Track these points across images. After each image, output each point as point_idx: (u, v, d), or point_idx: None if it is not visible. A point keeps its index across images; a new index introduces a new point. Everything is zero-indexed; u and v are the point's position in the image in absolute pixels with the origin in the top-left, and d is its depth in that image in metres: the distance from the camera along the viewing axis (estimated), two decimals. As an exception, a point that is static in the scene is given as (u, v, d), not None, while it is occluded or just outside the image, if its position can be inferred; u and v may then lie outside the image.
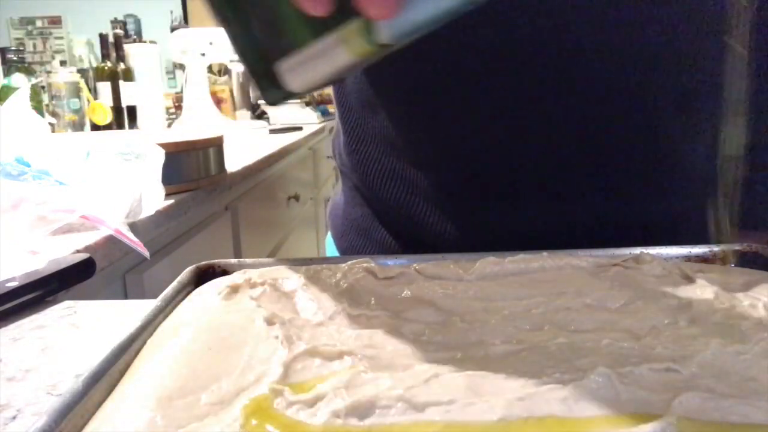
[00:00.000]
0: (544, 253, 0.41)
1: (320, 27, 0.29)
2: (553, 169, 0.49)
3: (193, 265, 0.42)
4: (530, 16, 0.44)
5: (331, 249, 0.66)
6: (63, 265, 0.51)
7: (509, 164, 0.50)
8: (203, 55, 1.81)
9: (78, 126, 1.67)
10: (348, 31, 0.28)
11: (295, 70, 0.30)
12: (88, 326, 0.43)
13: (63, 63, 1.81)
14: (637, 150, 0.49)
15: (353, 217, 0.61)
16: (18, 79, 1.52)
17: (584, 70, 0.46)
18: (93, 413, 0.26)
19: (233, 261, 0.43)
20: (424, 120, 0.51)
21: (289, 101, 0.33)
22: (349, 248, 0.61)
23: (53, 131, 1.53)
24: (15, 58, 1.58)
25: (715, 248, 0.43)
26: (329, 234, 0.67)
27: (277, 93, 0.32)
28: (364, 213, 0.60)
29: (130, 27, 4.08)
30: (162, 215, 0.82)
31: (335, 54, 0.29)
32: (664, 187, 0.51)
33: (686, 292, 0.36)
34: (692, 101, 0.49)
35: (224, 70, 2.25)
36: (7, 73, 1.57)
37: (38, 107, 1.45)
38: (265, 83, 0.32)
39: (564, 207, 0.50)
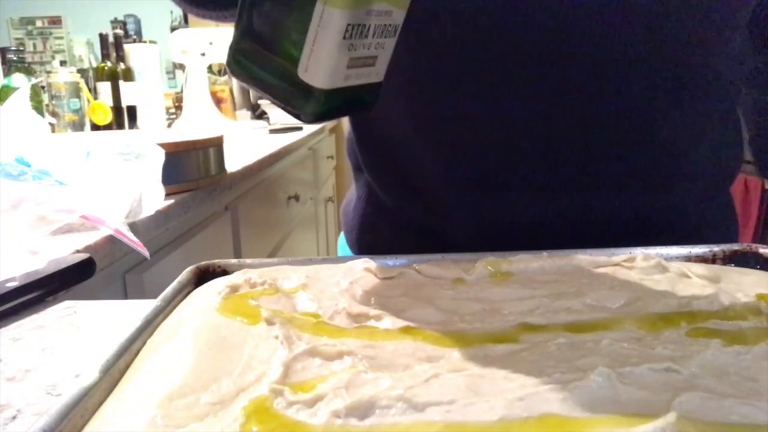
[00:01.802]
0: (544, 253, 0.41)
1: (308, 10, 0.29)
2: (557, 163, 0.49)
3: (193, 265, 0.42)
4: (525, 7, 0.44)
5: (342, 245, 0.67)
6: (63, 265, 0.50)
7: (509, 159, 0.50)
8: (203, 55, 1.81)
9: (78, 126, 1.67)
10: None
11: (311, 64, 0.30)
12: (88, 326, 0.43)
13: (63, 63, 1.81)
14: (633, 145, 0.49)
15: (364, 212, 0.62)
16: (18, 79, 1.52)
17: (578, 64, 0.46)
18: (93, 413, 0.26)
19: (233, 261, 0.43)
20: (424, 115, 0.51)
21: (327, 117, 0.33)
22: (357, 242, 0.62)
23: (53, 131, 1.53)
24: (15, 58, 1.58)
25: (715, 248, 0.43)
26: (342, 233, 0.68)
27: (312, 103, 0.31)
28: (375, 208, 0.61)
29: (130, 27, 4.08)
30: (162, 215, 0.82)
31: (328, 20, 0.29)
32: (660, 182, 0.51)
33: (686, 291, 0.36)
34: (687, 95, 0.49)
35: (224, 70, 2.24)
36: (7, 73, 1.57)
37: (38, 107, 1.45)
38: (300, 101, 0.32)
39: (563, 201, 0.51)
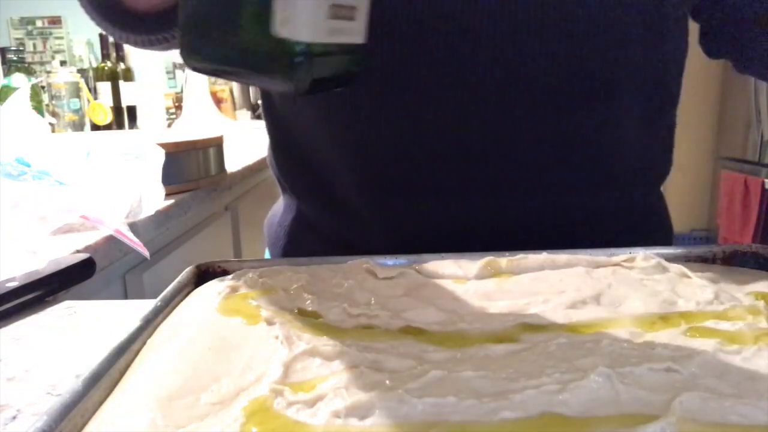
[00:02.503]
0: (544, 253, 0.41)
1: None
2: (482, 164, 0.48)
3: (193, 265, 0.42)
4: (430, 10, 0.44)
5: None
6: (63, 265, 0.51)
7: (434, 161, 0.49)
8: (203, 55, 1.81)
9: (78, 126, 1.67)
10: None
11: (289, 14, 0.26)
12: (88, 326, 0.43)
13: (63, 63, 1.81)
14: (548, 147, 0.48)
15: (286, 224, 0.61)
16: (18, 79, 1.52)
17: (487, 66, 0.45)
18: (93, 413, 0.26)
19: (233, 261, 0.43)
20: (344, 119, 0.50)
21: (316, 88, 0.28)
22: (283, 255, 0.61)
23: (53, 131, 1.53)
24: (15, 58, 1.58)
25: (715, 248, 0.43)
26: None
27: (298, 67, 0.27)
28: (296, 220, 0.60)
29: (131, 27, 4.07)
30: (162, 215, 0.82)
31: None
32: (579, 186, 0.50)
33: (686, 291, 0.36)
34: (617, 90, 0.48)
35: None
36: (7, 73, 1.57)
37: (38, 107, 1.45)
38: (284, 69, 0.28)
39: (476, 204, 0.50)
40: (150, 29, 0.47)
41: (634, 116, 0.50)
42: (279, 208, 0.64)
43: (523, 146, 0.48)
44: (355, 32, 0.29)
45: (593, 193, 0.51)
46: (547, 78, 0.46)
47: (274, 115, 0.57)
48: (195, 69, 0.31)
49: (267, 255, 0.66)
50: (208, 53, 0.29)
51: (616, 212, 0.52)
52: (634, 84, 0.48)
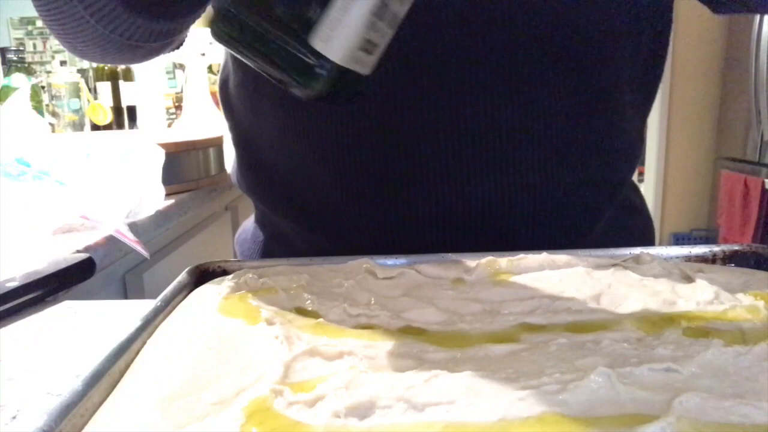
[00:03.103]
0: (544, 253, 0.41)
1: None
2: (461, 150, 0.47)
3: (193, 265, 0.42)
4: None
5: None
6: (63, 265, 0.51)
7: (410, 150, 0.48)
8: (203, 55, 1.81)
9: (78, 126, 1.67)
10: None
11: (334, 34, 0.28)
12: (88, 326, 0.43)
13: (63, 63, 1.81)
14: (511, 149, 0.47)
15: (259, 239, 0.60)
16: (18, 79, 1.52)
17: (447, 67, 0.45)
18: (93, 413, 0.26)
19: (233, 261, 0.43)
20: (301, 127, 0.49)
21: (326, 98, 0.31)
22: None
23: (53, 131, 1.53)
24: (15, 58, 1.58)
25: (715, 248, 0.43)
26: None
27: (321, 79, 0.29)
28: (267, 235, 0.59)
29: (131, 27, 4.08)
30: (162, 215, 0.82)
31: None
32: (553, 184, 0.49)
33: (686, 292, 0.36)
34: (612, 60, 0.47)
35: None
36: (7, 73, 1.57)
37: (38, 107, 1.45)
38: (305, 75, 0.29)
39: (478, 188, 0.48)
40: (161, 15, 0.44)
41: (627, 91, 0.50)
42: (250, 223, 0.63)
43: (509, 125, 0.47)
44: (369, 65, 0.32)
45: (578, 172, 0.50)
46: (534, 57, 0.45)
47: (240, 130, 0.56)
48: (219, 35, 0.31)
49: None
50: (242, 27, 0.30)
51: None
52: (629, 58, 0.48)
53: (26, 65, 1.64)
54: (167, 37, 0.46)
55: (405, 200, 0.49)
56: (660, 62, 0.52)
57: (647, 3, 0.48)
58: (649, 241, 0.59)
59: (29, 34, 4.65)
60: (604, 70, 0.47)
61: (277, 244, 0.58)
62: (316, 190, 0.51)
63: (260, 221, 0.61)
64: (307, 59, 0.29)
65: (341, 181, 0.49)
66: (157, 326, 0.34)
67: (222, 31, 0.30)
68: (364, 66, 0.31)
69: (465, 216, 0.48)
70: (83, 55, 0.49)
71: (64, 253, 0.59)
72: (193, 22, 0.45)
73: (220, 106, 0.58)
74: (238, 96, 0.54)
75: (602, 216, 0.52)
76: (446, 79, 0.45)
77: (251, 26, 0.29)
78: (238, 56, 0.31)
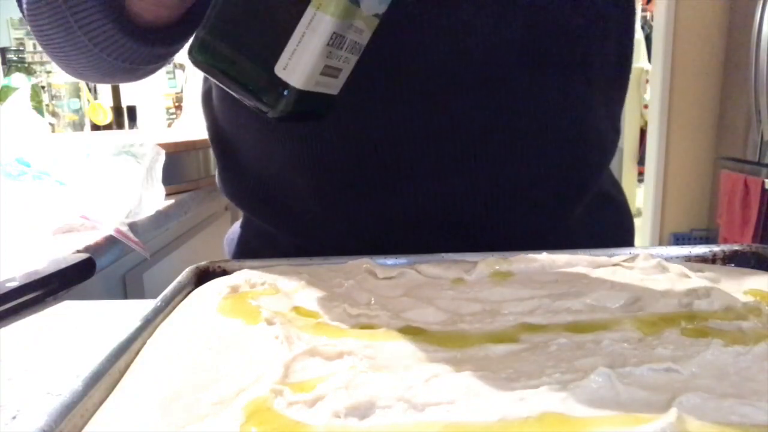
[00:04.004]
0: (544, 253, 0.41)
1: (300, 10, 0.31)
2: (441, 144, 0.48)
3: (193, 265, 0.42)
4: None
5: None
6: (63, 265, 0.51)
7: (392, 145, 0.48)
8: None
9: (78, 126, 1.67)
10: None
11: (292, 62, 0.31)
12: (88, 326, 0.43)
13: (63, 63, 1.80)
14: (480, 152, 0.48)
15: (243, 240, 0.61)
16: (18, 79, 1.52)
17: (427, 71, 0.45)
18: (93, 413, 0.26)
19: (233, 261, 0.43)
20: (278, 135, 0.50)
21: (291, 118, 0.34)
22: None
23: (53, 131, 1.53)
24: (15, 58, 1.59)
25: (715, 248, 0.43)
26: None
27: (283, 102, 0.32)
28: (252, 237, 0.60)
29: (130, 27, 4.07)
30: (162, 215, 0.82)
31: (318, 25, 0.30)
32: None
33: (686, 292, 0.36)
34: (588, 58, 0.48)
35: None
36: (7, 73, 1.58)
37: (38, 107, 1.45)
38: (271, 97, 0.32)
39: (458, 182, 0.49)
40: (157, 41, 0.47)
41: (602, 86, 0.51)
42: (238, 225, 0.64)
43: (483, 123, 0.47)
44: (334, 87, 0.35)
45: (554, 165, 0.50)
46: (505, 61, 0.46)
47: (220, 139, 0.57)
48: (196, 62, 0.33)
49: None
50: (213, 57, 0.33)
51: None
52: (604, 56, 0.49)
53: (26, 65, 1.65)
54: (164, 59, 0.50)
55: (383, 202, 0.49)
56: (627, 62, 0.53)
57: (612, 3, 0.49)
58: (626, 230, 0.60)
59: (29, 34, 4.65)
60: (578, 70, 0.48)
61: (261, 246, 0.59)
62: (295, 195, 0.52)
63: (244, 224, 0.62)
64: (273, 85, 0.32)
65: (317, 186, 0.50)
66: (157, 326, 0.34)
67: (199, 58, 0.33)
68: (330, 87, 0.35)
69: (442, 215, 0.49)
70: (80, 76, 0.54)
71: (64, 253, 0.59)
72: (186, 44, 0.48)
73: (203, 115, 0.59)
74: (220, 108, 0.55)
75: (576, 205, 0.53)
76: (418, 83, 0.46)
77: (225, 54, 0.33)
78: (215, 81, 0.34)
